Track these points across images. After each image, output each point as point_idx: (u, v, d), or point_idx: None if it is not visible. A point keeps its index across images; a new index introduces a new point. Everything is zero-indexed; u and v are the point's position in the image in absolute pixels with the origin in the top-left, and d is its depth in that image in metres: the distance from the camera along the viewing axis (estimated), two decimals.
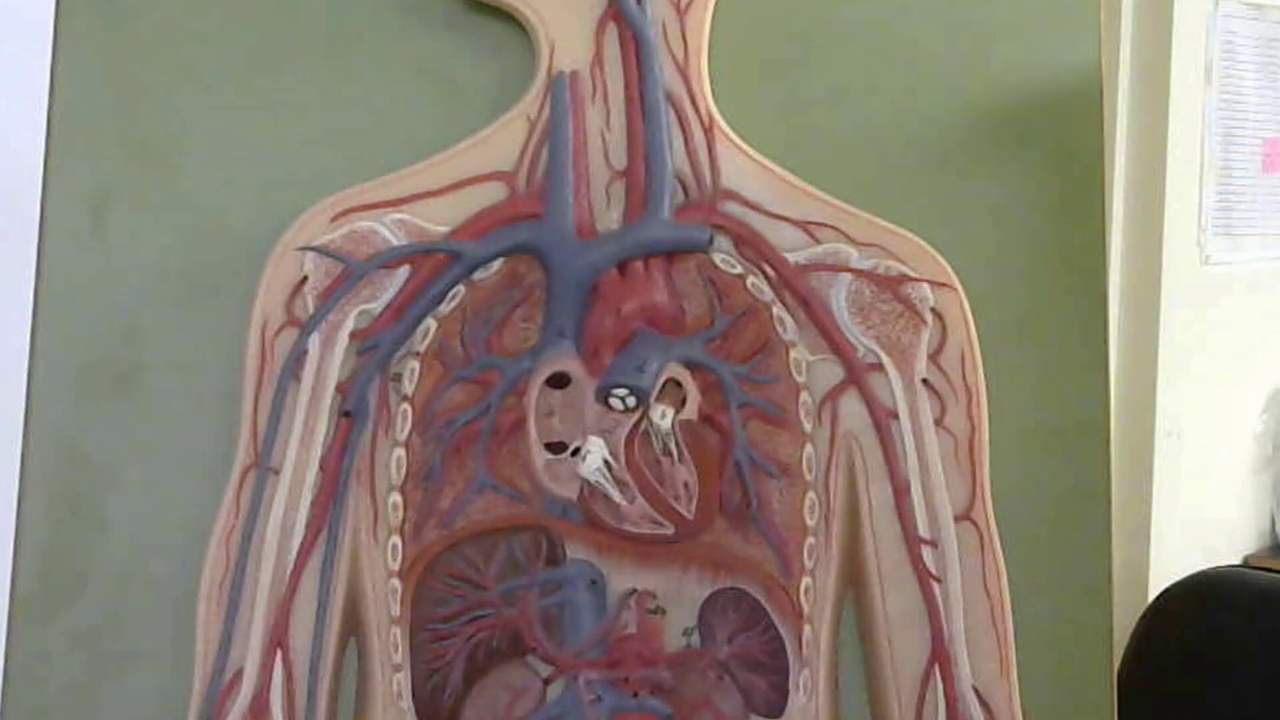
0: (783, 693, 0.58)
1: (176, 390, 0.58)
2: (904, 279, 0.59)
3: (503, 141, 0.59)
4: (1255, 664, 1.02)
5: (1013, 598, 0.59)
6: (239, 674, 0.56)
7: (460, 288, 0.59)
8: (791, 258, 0.59)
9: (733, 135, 0.60)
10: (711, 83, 0.60)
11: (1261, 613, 1.05)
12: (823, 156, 0.61)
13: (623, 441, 0.58)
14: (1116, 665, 0.64)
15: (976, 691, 0.58)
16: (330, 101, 0.60)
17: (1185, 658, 1.07)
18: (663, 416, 0.58)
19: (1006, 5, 0.64)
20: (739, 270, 0.59)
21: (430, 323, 0.58)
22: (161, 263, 0.58)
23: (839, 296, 0.59)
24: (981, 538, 0.59)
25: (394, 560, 0.58)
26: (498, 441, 0.58)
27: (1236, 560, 1.44)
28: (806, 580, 0.59)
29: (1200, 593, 1.11)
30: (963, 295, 0.60)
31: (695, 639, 0.59)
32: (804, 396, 0.59)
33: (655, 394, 0.58)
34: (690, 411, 0.58)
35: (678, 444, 0.58)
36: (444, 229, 0.58)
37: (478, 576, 0.58)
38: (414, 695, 0.58)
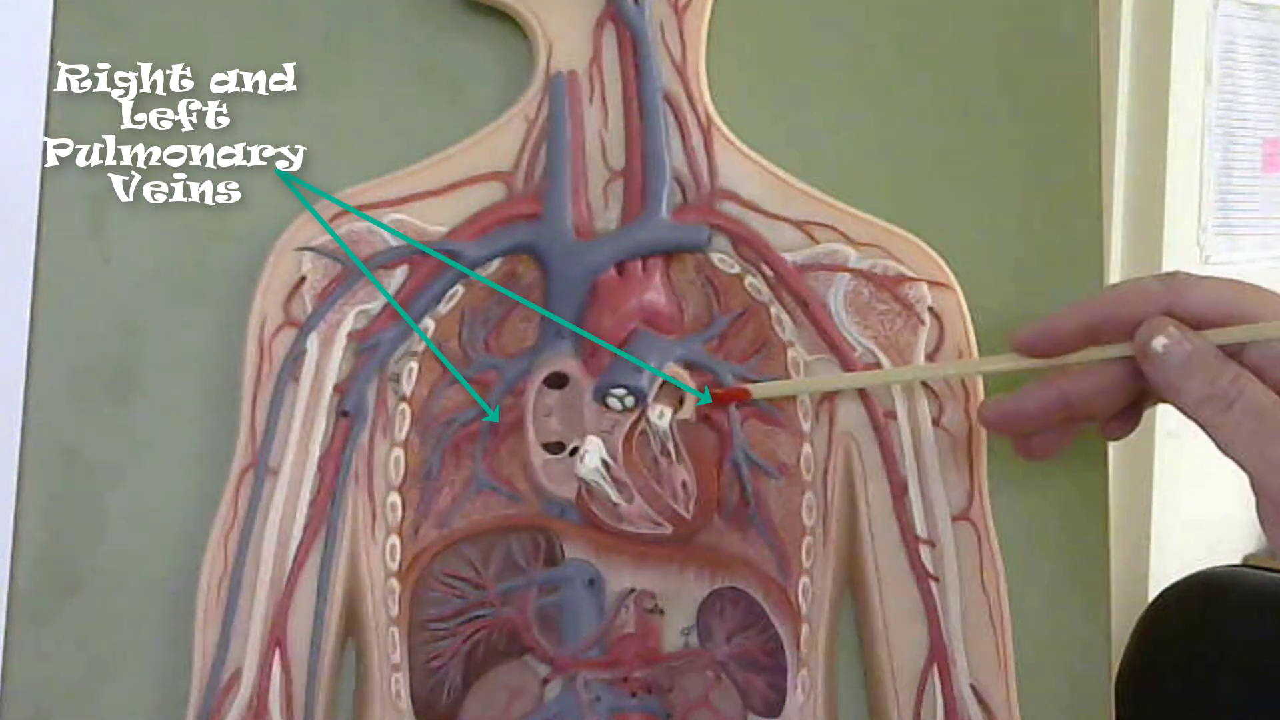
0: (781, 692, 0.58)
1: (174, 390, 0.58)
2: (902, 279, 0.59)
3: (501, 141, 0.59)
4: (1255, 664, 1.01)
5: (1011, 597, 0.59)
6: (237, 674, 0.56)
7: (458, 287, 0.59)
8: (790, 257, 0.59)
9: (730, 135, 0.60)
10: (709, 82, 0.60)
11: (1261, 613, 1.05)
12: (821, 156, 0.61)
13: (621, 441, 0.58)
14: (1116, 665, 0.64)
15: (975, 690, 0.58)
16: (329, 101, 0.60)
17: (1185, 658, 1.07)
18: (661, 416, 0.58)
19: (1005, 5, 0.64)
20: (737, 270, 0.59)
21: (429, 323, 0.58)
22: (160, 262, 0.59)
23: (837, 296, 0.59)
24: (980, 537, 0.59)
25: (392, 560, 0.58)
26: (496, 441, 0.58)
27: (1236, 560, 1.43)
28: (804, 580, 0.59)
29: (1200, 593, 1.10)
30: (960, 295, 0.60)
31: (693, 638, 0.59)
32: (802, 396, 0.59)
33: (653, 394, 0.58)
34: (688, 411, 0.58)
35: (676, 444, 0.58)
36: (442, 229, 0.59)
37: (476, 576, 0.58)
38: (412, 695, 0.58)
